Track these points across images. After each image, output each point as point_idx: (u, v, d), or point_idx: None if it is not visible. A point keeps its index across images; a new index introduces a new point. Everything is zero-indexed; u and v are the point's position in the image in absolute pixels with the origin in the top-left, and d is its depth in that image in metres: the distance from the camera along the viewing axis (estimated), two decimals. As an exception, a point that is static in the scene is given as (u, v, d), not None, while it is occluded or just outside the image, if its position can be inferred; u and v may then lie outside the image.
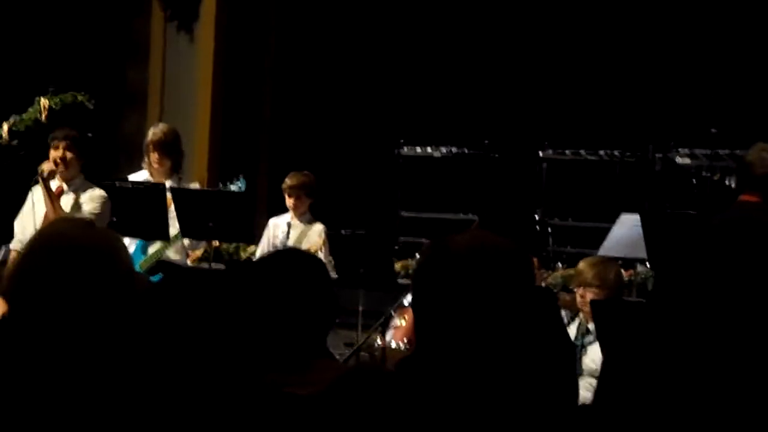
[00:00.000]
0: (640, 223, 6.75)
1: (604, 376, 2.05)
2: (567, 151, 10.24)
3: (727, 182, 8.96)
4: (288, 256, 2.92)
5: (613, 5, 10.65)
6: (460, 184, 10.45)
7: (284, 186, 8.05)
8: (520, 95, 10.82)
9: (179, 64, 11.08)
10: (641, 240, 6.69)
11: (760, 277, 2.06)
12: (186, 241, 7.33)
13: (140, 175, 7.49)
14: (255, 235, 7.91)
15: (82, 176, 6.96)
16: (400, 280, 8.01)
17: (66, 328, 2.40)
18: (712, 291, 2.06)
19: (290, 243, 7.81)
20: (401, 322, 7.09)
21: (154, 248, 7.24)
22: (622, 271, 6.74)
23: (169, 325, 2.97)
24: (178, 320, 3.06)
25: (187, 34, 11.07)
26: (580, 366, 5.96)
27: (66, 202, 6.83)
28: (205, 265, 8.15)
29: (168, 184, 7.19)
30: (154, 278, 6.97)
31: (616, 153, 9.99)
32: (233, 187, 7.67)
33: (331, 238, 7.81)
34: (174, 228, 7.12)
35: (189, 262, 7.92)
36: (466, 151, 10.64)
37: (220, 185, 8.22)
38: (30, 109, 9.22)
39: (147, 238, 7.23)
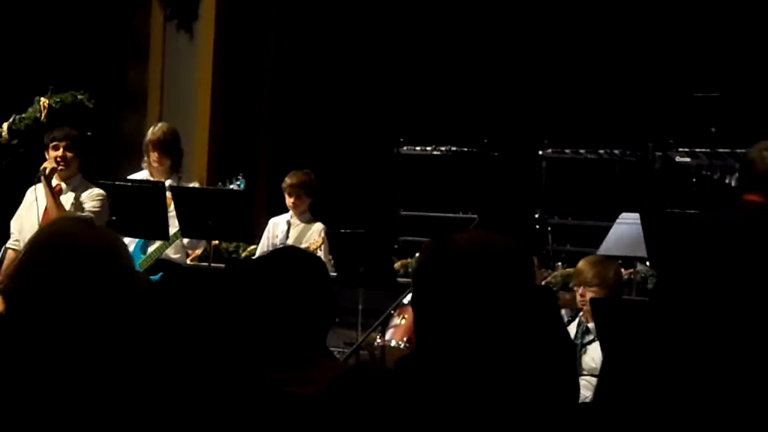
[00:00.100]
0: (639, 222, 6.74)
1: (604, 374, 2.05)
2: (567, 150, 10.23)
3: (727, 181, 8.95)
4: (287, 255, 2.92)
5: (612, 5, 10.64)
6: (460, 183, 10.45)
7: (284, 185, 8.04)
8: (520, 94, 10.82)
9: (179, 64, 11.07)
10: (641, 239, 6.68)
11: (763, 278, 2.06)
12: (185, 241, 7.33)
13: (140, 175, 7.48)
14: (255, 234, 7.90)
15: (80, 175, 6.96)
16: (400, 279, 8.02)
17: (66, 327, 2.40)
18: (714, 290, 2.06)
19: (290, 242, 7.80)
20: (401, 321, 7.09)
21: (153, 247, 7.24)
22: (622, 270, 6.75)
23: (168, 324, 2.97)
24: (178, 319, 3.06)
25: (187, 34, 11.06)
26: (580, 365, 5.96)
27: (65, 200, 6.83)
28: (204, 264, 8.16)
29: (168, 183, 7.19)
30: (154, 277, 6.98)
31: (615, 152, 9.98)
32: (233, 187, 7.67)
33: (330, 236, 7.81)
34: (173, 227, 7.12)
35: (188, 261, 7.93)
36: (466, 149, 10.64)
37: (220, 185, 8.22)
38: (30, 109, 9.22)
39: (146, 237, 7.22)
